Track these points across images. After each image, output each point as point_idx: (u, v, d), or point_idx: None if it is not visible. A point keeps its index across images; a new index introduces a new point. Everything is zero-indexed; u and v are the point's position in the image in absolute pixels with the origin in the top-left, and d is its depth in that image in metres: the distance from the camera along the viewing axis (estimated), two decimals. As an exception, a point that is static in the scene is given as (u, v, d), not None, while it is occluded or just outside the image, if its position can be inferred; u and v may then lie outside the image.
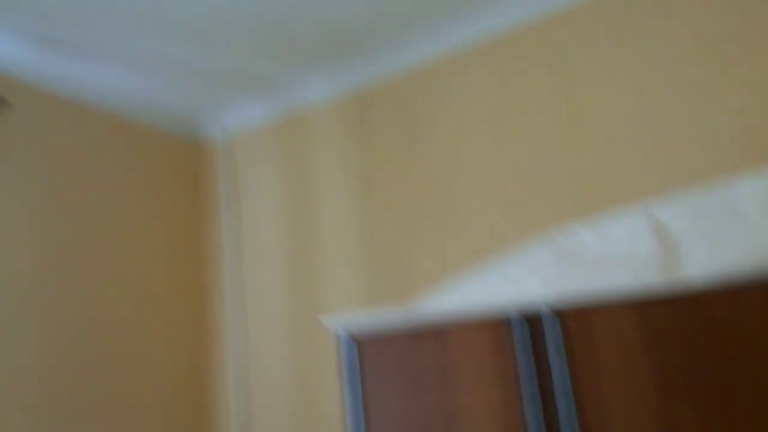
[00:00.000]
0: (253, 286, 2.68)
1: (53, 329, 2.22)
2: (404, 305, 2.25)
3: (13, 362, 2.08)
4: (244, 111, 2.83)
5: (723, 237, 1.74)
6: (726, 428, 1.28)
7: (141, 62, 2.35)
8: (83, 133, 2.51)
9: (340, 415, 2.27)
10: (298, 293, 2.52)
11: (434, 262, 2.23)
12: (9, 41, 2.13)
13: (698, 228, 1.79)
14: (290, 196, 2.67)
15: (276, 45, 2.30)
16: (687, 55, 1.95)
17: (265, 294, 2.63)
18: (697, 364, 1.33)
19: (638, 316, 1.41)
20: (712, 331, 1.32)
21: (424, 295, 2.22)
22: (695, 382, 1.32)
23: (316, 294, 2.47)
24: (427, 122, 2.37)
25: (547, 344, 1.49)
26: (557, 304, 1.50)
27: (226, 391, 2.64)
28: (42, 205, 2.29)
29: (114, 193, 2.55)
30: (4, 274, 2.12)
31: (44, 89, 2.40)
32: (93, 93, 2.54)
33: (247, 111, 2.82)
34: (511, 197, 2.15)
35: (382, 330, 1.71)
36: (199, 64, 2.41)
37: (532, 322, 1.53)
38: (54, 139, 2.39)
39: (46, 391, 2.15)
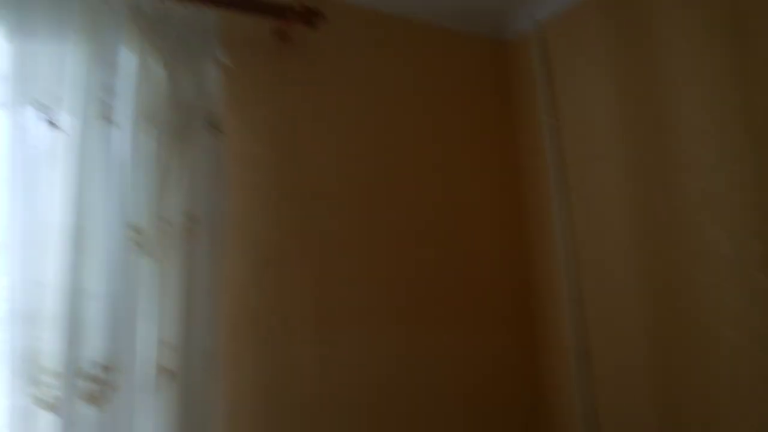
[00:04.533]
0: (580, 187, 2.51)
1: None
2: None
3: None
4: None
5: None
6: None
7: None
8: (393, 44, 2.62)
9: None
10: (641, 194, 2.26)
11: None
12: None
13: None
14: (626, 84, 2.34)
15: None
16: None
17: (593, 193, 2.45)
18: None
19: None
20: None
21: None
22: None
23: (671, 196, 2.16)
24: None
25: None
26: None
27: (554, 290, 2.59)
28: (342, 117, 2.43)
29: (429, 103, 2.64)
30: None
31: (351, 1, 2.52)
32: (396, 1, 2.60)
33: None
34: None
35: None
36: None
37: None
38: (366, 51, 2.53)
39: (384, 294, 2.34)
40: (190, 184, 1.95)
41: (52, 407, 1.62)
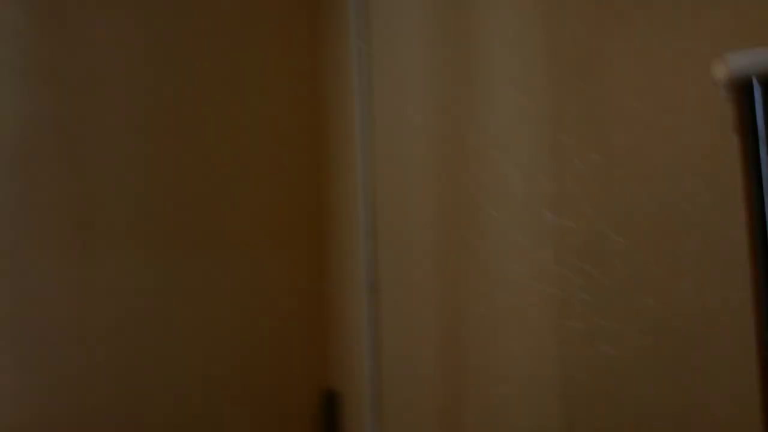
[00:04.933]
0: (383, 117, 2.34)
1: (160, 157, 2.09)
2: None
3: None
4: None
5: None
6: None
7: None
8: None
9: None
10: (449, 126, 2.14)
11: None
12: None
13: None
14: (439, 21, 2.25)
15: None
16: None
17: (396, 125, 2.31)
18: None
19: None
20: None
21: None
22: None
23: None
24: None
25: None
26: None
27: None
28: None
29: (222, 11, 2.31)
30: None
31: None
32: None
33: None
34: None
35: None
36: None
37: None
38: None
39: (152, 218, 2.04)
40: None
41: None
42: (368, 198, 2.40)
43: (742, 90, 1.32)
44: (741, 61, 1.34)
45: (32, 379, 1.86)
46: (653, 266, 1.79)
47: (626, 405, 1.79)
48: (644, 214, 1.83)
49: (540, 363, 1.94)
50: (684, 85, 1.81)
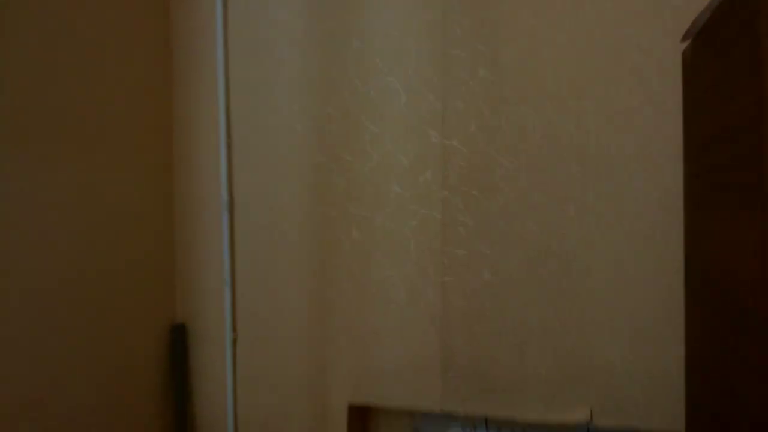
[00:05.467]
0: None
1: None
2: None
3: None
4: None
5: None
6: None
7: None
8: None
9: None
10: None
11: None
12: None
13: None
14: None
15: None
16: None
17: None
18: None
19: None
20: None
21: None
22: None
23: None
24: None
25: None
26: None
27: None
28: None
29: None
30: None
31: None
32: None
33: None
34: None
35: None
36: None
37: None
38: None
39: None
40: None
41: None
42: (224, 108, 2.07)
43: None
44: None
45: None
46: (538, 192, 1.77)
47: (506, 331, 1.79)
48: (532, 138, 1.79)
49: (419, 289, 1.86)
50: (582, 5, 1.75)
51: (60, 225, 1.70)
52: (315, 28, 1.98)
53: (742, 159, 1.06)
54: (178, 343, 2.09)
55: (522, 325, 1.77)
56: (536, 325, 1.76)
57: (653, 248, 1.66)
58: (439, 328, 1.85)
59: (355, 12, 1.94)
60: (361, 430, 2.01)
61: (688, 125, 1.55)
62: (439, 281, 1.85)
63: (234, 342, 2.06)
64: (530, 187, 1.78)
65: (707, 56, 1.34)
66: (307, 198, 1.99)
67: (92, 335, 1.79)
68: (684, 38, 1.52)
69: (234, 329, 2.06)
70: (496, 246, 1.81)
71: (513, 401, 1.78)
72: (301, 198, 1.99)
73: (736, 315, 1.10)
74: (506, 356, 1.79)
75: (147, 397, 2.03)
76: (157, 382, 2.06)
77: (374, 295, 1.91)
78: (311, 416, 1.98)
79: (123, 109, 1.93)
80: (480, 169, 1.83)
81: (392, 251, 1.90)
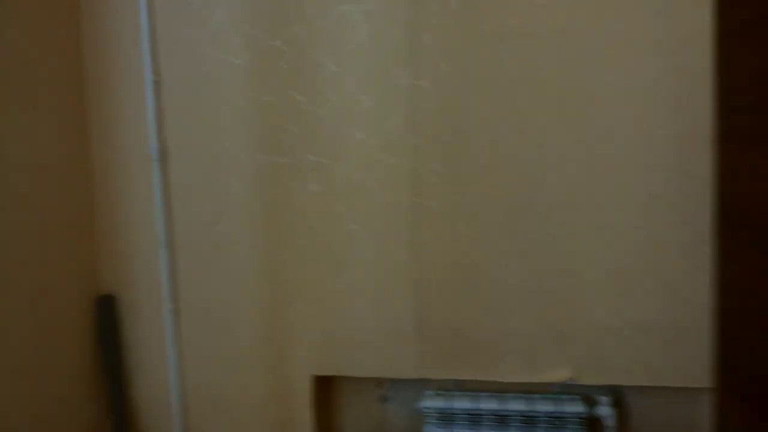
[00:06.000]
0: None
1: None
2: None
3: None
4: None
5: None
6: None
7: None
8: None
9: None
10: None
11: None
12: None
13: None
14: None
15: None
16: None
17: None
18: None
19: None
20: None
21: None
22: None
23: None
24: None
25: None
26: None
27: None
28: None
29: None
30: None
31: None
32: None
33: None
34: None
35: None
36: None
37: None
38: None
39: None
40: None
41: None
42: (148, 36, 1.73)
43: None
44: None
45: None
46: (516, 137, 1.61)
47: (483, 289, 1.66)
48: (507, 76, 1.61)
49: (388, 247, 1.68)
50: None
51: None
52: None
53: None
54: (107, 317, 1.81)
55: (501, 282, 1.65)
56: (516, 282, 1.64)
57: (637, 196, 1.56)
58: (412, 288, 1.68)
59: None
60: (327, 400, 1.84)
61: (722, 60, 1.42)
62: (410, 237, 1.67)
63: (175, 313, 1.80)
64: (508, 133, 1.62)
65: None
66: (253, 145, 1.73)
67: (2, 313, 1.49)
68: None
69: (174, 298, 1.80)
70: (472, 198, 1.65)
71: (492, 363, 1.67)
72: (246, 145, 1.73)
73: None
74: (484, 316, 1.66)
75: (74, 380, 1.75)
76: (83, 362, 1.79)
77: (337, 255, 1.71)
78: (270, 390, 1.78)
79: (18, 38, 1.57)
80: (452, 111, 1.64)
81: (356, 205, 1.69)
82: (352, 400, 1.84)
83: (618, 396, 1.68)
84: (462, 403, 1.68)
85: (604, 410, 1.64)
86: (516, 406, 1.65)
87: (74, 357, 1.76)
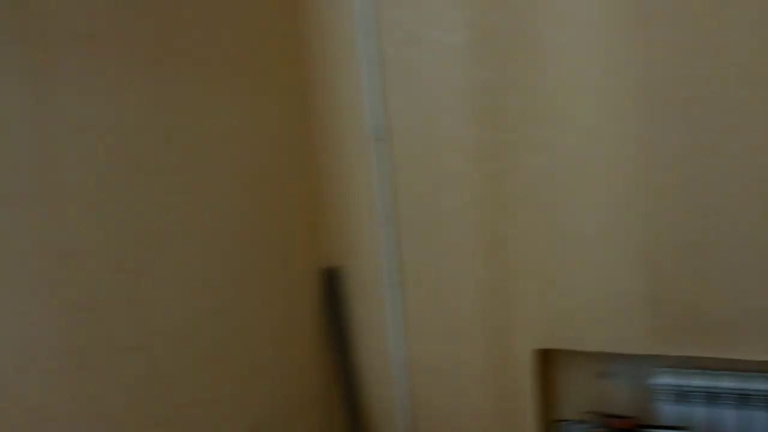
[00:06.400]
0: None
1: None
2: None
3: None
4: None
5: None
6: None
7: None
8: None
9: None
10: None
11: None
12: None
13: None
14: None
15: None
16: None
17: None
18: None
19: None
20: None
21: None
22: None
23: None
24: None
25: None
26: None
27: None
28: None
29: None
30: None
31: None
32: None
33: None
34: None
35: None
36: None
37: None
38: None
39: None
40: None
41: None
42: (369, 22, 1.79)
43: None
44: None
45: None
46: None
47: (725, 261, 1.57)
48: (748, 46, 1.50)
49: (618, 219, 1.65)
50: None
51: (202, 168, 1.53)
52: None
53: None
54: (332, 289, 1.92)
55: (744, 258, 1.56)
56: (761, 257, 1.54)
57: None
58: (642, 261, 1.64)
59: None
60: (548, 374, 1.85)
61: None
62: (641, 209, 1.63)
63: (398, 285, 1.88)
64: (761, 99, 1.51)
65: None
66: (473, 121, 1.75)
67: (237, 285, 1.64)
68: None
69: (397, 271, 1.88)
70: (712, 168, 1.56)
71: (731, 341, 1.59)
72: (467, 122, 1.76)
73: None
74: (723, 293, 1.57)
75: (306, 348, 1.89)
76: (314, 328, 1.92)
77: (562, 228, 1.70)
78: (491, 362, 1.82)
79: (243, 26, 1.69)
80: (685, 81, 1.56)
81: (582, 178, 1.67)
82: (574, 375, 1.84)
83: None
84: (699, 381, 1.62)
85: None
86: (760, 385, 1.57)
87: (306, 323, 1.89)
